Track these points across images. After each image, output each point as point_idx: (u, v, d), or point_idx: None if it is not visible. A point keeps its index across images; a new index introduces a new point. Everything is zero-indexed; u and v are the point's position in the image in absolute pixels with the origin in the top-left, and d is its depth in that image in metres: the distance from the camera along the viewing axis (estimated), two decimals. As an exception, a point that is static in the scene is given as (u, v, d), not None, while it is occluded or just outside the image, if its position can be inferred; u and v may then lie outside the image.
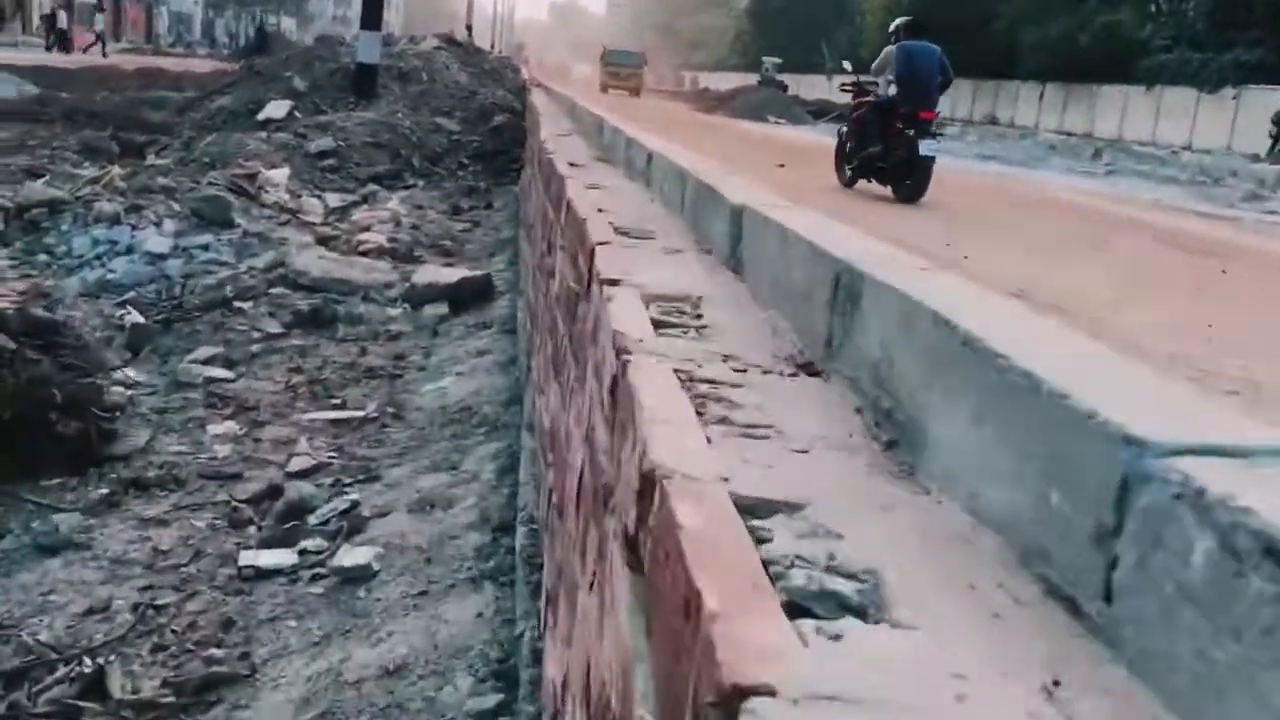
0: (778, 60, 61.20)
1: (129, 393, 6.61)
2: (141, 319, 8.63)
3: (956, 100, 62.31)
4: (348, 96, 17.66)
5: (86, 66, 36.06)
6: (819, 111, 52.96)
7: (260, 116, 16.78)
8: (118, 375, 7.53)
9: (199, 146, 14.33)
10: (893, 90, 9.91)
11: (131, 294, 9.55)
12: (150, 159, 15.36)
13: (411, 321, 8.70)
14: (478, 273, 9.34)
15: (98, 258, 10.34)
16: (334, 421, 6.26)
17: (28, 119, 22.77)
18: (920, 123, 9.62)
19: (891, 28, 10.89)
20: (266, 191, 12.74)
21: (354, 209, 13.31)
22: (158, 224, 10.87)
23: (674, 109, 44.83)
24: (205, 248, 10.70)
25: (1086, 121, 52.85)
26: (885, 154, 9.82)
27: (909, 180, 9.63)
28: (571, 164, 5.23)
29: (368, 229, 12.00)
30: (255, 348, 7.91)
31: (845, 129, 10.97)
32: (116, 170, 12.06)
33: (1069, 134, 49.61)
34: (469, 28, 47.54)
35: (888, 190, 9.86)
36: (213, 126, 17.11)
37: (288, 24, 78.76)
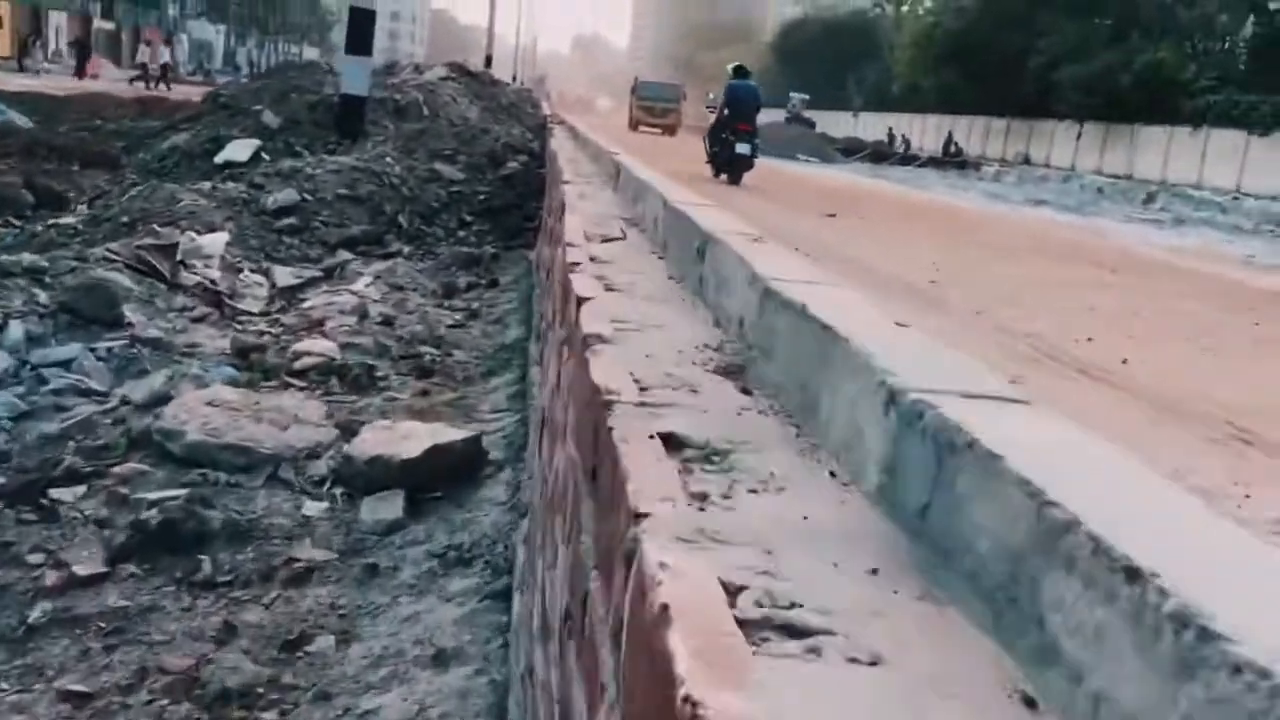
0: (805, 96, 57.49)
1: None
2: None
3: (989, 139, 58.86)
4: (329, 135, 13.98)
5: (80, 94, 32.51)
6: (849, 149, 49.36)
7: (218, 159, 13.12)
8: None
9: (120, 202, 10.66)
10: (726, 112, 14.31)
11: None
12: (75, 213, 11.68)
13: (338, 533, 4.91)
14: (457, 436, 5.53)
15: (-109, 384, 6.63)
16: None
17: (-21, 155, 19.24)
18: (739, 132, 13.94)
19: (728, 68, 15.47)
20: (190, 267, 9.04)
21: (311, 289, 9.58)
22: (1, 326, 7.15)
23: (700, 146, 41.11)
24: (67, 365, 6.97)
25: (1126, 163, 49.36)
26: (721, 152, 14.33)
27: (732, 169, 14.00)
28: (642, 403, 1.57)
29: (319, 326, 8.25)
30: (39, 611, 4.15)
31: (707, 137, 15.35)
32: (-42, 243, 8.34)
33: (1115, 176, 46.10)
34: (489, 58, 43.99)
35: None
36: (161, 170, 13.45)
37: (310, 53, 76.10)
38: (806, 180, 27.22)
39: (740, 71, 15.19)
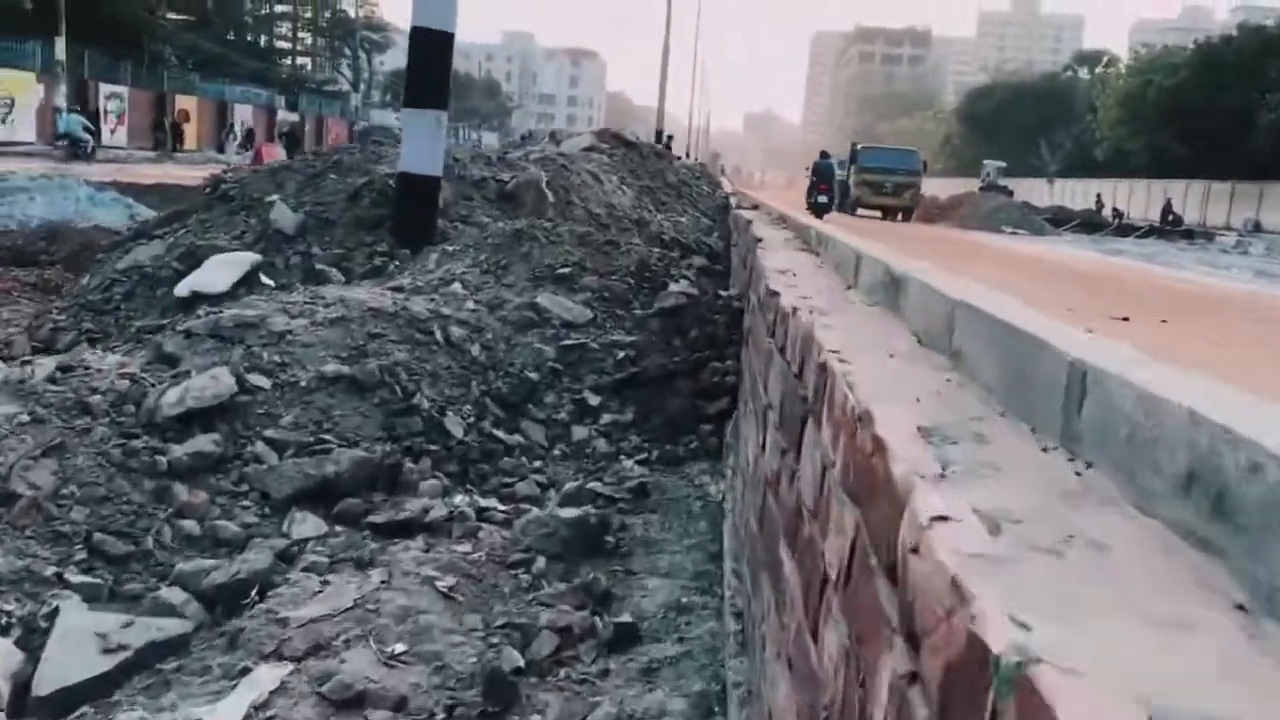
0: (1001, 164, 49.86)
1: None
2: None
3: (1209, 204, 49.89)
4: (378, 241, 7.96)
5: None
6: (1056, 219, 41.56)
7: (181, 289, 7.20)
8: None
9: None
10: (814, 178, 23.35)
11: None
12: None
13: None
14: None
15: None
16: None
17: (24, 260, 14.33)
18: (821, 190, 23.18)
19: (820, 152, 25.03)
20: None
21: (159, 659, 3.37)
22: None
23: (891, 221, 34.32)
24: None
25: (1391, 226, 40.09)
26: (813, 202, 22.13)
27: (818, 210, 20.37)
28: None
29: None
30: None
31: (808, 191, 23.85)
32: None
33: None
34: (660, 133, 38.03)
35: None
36: (104, 305, 7.61)
37: (489, 139, 72.42)
38: (1039, 261, 20.53)
39: (824, 154, 25.49)
